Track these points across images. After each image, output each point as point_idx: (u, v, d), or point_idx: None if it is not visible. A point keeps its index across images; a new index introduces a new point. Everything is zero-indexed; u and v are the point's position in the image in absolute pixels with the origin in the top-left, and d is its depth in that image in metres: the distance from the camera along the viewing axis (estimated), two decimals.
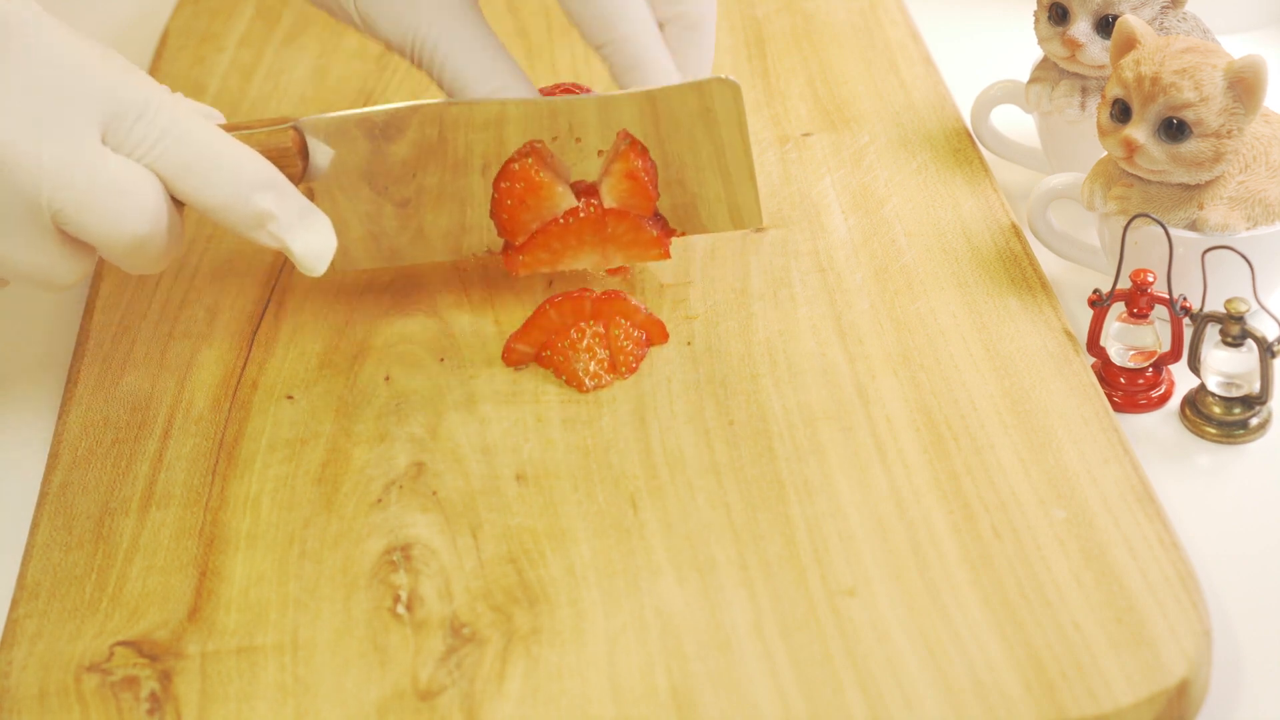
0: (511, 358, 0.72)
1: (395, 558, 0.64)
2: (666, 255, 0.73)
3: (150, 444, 0.71)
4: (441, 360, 0.74)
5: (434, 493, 0.67)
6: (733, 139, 0.73)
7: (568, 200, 0.72)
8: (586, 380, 0.70)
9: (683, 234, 0.75)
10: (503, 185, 0.72)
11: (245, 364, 0.75)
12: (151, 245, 0.65)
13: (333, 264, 0.71)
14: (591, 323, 0.71)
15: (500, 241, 0.74)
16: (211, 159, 0.64)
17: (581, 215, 0.72)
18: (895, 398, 0.70)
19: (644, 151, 0.73)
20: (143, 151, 0.63)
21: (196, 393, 0.73)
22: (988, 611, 0.60)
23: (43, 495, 0.69)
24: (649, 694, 0.58)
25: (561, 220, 0.72)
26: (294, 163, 0.71)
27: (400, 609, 0.62)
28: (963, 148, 0.85)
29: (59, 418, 0.73)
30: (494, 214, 0.73)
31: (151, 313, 0.78)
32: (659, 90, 0.72)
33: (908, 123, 0.87)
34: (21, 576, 0.65)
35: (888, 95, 0.90)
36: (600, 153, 0.73)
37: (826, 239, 0.79)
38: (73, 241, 0.64)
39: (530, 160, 0.72)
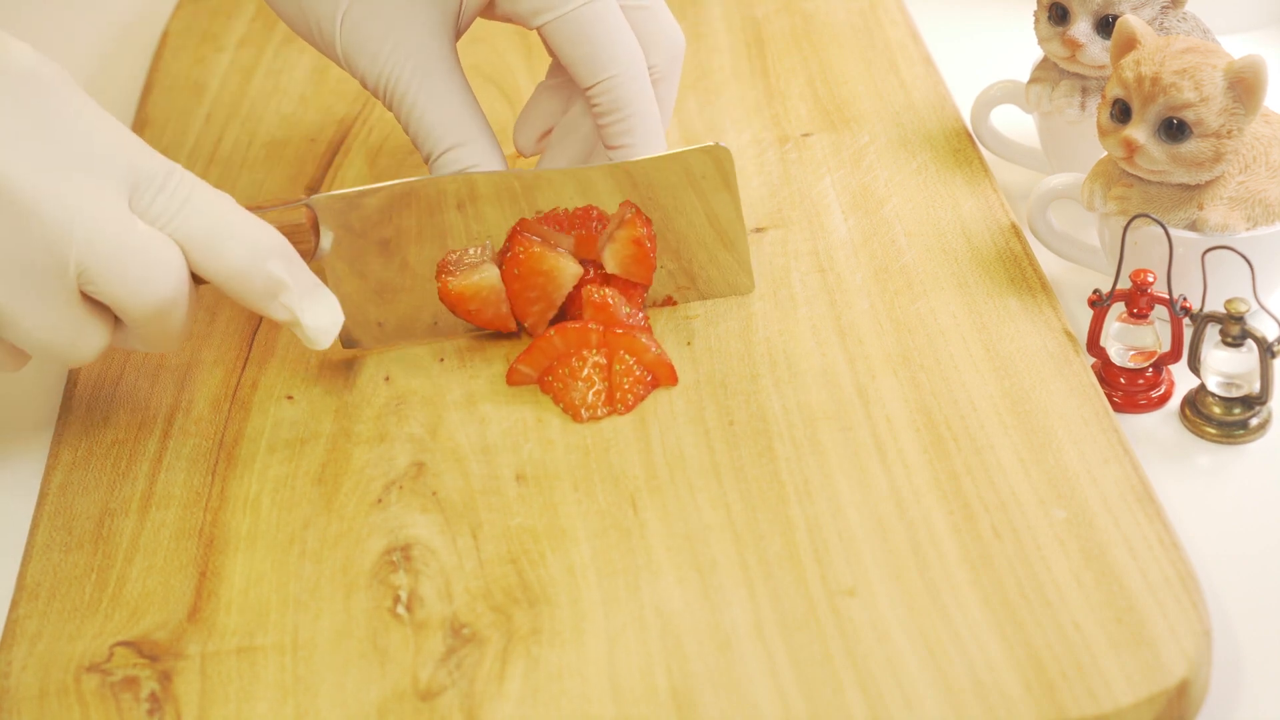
0: (514, 378, 0.72)
1: (395, 558, 0.64)
2: (674, 382, 0.72)
3: (150, 444, 0.71)
4: (441, 360, 0.74)
5: (434, 493, 0.67)
6: (726, 206, 0.74)
7: (571, 268, 0.72)
8: (582, 411, 0.70)
9: (675, 303, 0.76)
10: (506, 270, 0.72)
11: (245, 364, 0.75)
12: (174, 314, 0.65)
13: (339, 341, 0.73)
14: (594, 353, 0.71)
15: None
16: (230, 229, 0.65)
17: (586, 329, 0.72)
18: (895, 398, 0.70)
19: (648, 221, 0.73)
20: (165, 220, 0.64)
21: (196, 393, 0.73)
22: (988, 611, 0.60)
23: (43, 495, 0.69)
24: (649, 694, 0.58)
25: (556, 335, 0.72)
26: (307, 239, 0.71)
27: (400, 609, 0.62)
28: (963, 148, 0.85)
29: (59, 418, 0.73)
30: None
31: None
32: (651, 160, 0.73)
33: (908, 123, 0.87)
34: (21, 577, 0.65)
35: (888, 95, 0.90)
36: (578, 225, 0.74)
37: (826, 239, 0.79)
38: (94, 309, 0.64)
39: (522, 240, 0.72)
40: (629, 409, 0.70)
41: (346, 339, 0.74)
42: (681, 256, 0.75)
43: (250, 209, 0.68)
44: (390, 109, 0.74)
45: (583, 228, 0.73)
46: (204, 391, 0.73)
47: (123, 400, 0.73)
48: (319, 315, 0.68)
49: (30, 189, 0.61)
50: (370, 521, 0.66)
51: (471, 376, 0.73)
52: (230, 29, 1.01)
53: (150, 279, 0.63)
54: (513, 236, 0.72)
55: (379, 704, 0.59)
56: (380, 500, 0.67)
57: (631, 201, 0.73)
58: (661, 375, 0.71)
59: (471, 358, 0.74)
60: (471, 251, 0.73)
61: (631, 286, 0.73)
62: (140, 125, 0.93)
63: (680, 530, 0.64)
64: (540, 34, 0.74)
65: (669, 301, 0.76)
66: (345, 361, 0.74)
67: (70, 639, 0.62)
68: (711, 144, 0.73)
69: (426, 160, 0.75)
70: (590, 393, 0.70)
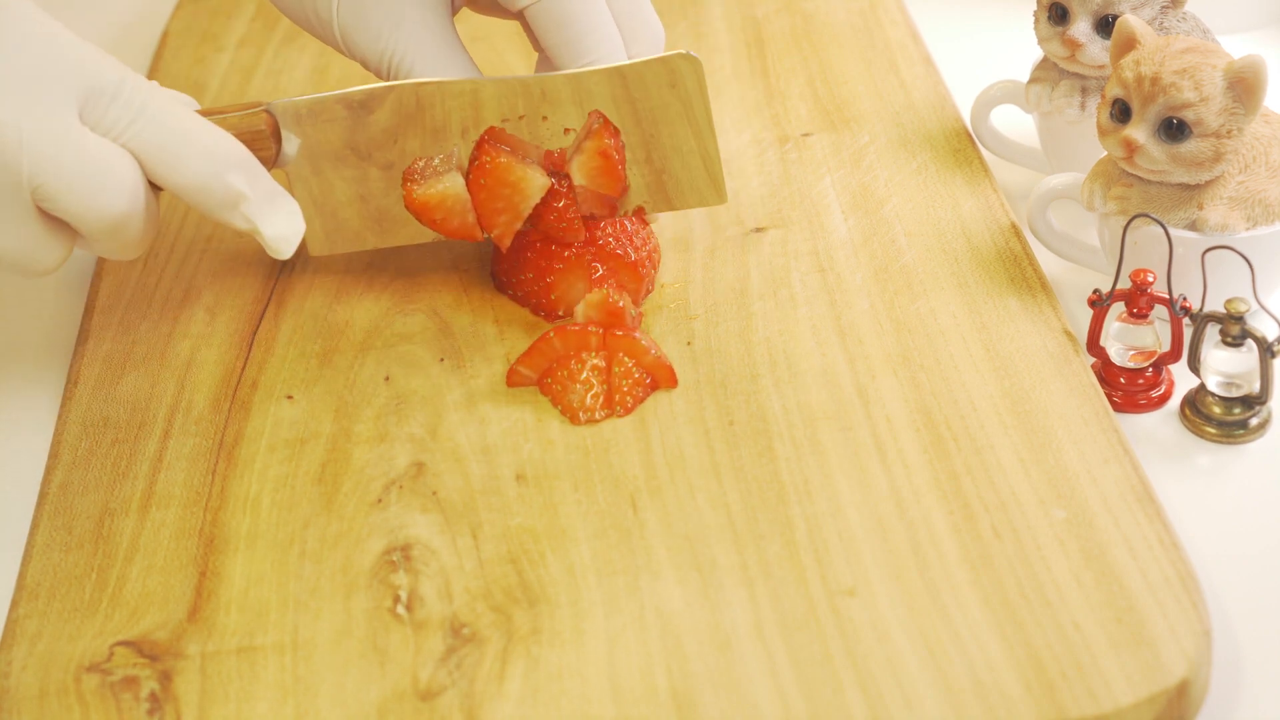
0: (514, 380, 0.72)
1: (395, 558, 0.64)
2: (673, 384, 0.72)
3: (150, 444, 0.71)
4: (441, 360, 0.74)
5: (434, 493, 0.67)
6: (698, 116, 0.74)
7: (538, 180, 0.72)
8: (580, 414, 0.70)
9: (644, 213, 0.76)
10: (472, 179, 0.73)
11: (245, 364, 0.75)
12: (130, 225, 0.65)
13: (321, 247, 0.73)
14: (593, 355, 0.71)
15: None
16: (185, 139, 0.65)
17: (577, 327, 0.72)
18: (895, 398, 0.70)
19: (615, 132, 0.73)
20: (118, 131, 0.64)
21: (196, 393, 0.73)
22: (988, 611, 0.60)
23: (43, 495, 0.69)
24: (649, 694, 0.58)
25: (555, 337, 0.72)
26: (267, 146, 0.71)
27: (400, 609, 0.62)
28: (963, 148, 0.85)
29: (59, 418, 0.73)
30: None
31: (151, 313, 0.78)
32: (629, 66, 0.73)
33: (908, 123, 0.87)
34: (21, 576, 0.65)
35: (888, 95, 0.90)
36: (568, 130, 0.73)
37: (826, 239, 0.79)
38: (52, 222, 0.64)
39: (489, 150, 0.72)
40: (628, 411, 0.70)
41: (311, 244, 0.75)
42: (654, 164, 0.75)
43: (208, 114, 0.68)
44: None
45: (560, 184, 0.73)
46: (204, 391, 0.73)
47: (123, 400, 0.73)
48: (279, 224, 0.68)
49: None
50: (370, 521, 0.66)
51: (471, 376, 0.73)
52: (230, 29, 1.01)
53: (103, 192, 0.64)
54: (480, 145, 0.72)
55: (379, 704, 0.59)
56: (380, 500, 0.67)
57: (600, 111, 0.73)
58: (661, 377, 0.71)
59: (471, 358, 0.74)
60: (438, 160, 0.73)
61: (601, 198, 0.73)
62: None
63: (680, 530, 0.64)
64: (523, 19, 0.74)
65: (639, 213, 0.76)
66: (345, 361, 0.74)
67: (70, 639, 0.62)
68: (684, 51, 0.73)
69: None
70: (589, 395, 0.70)
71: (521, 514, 0.66)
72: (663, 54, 0.73)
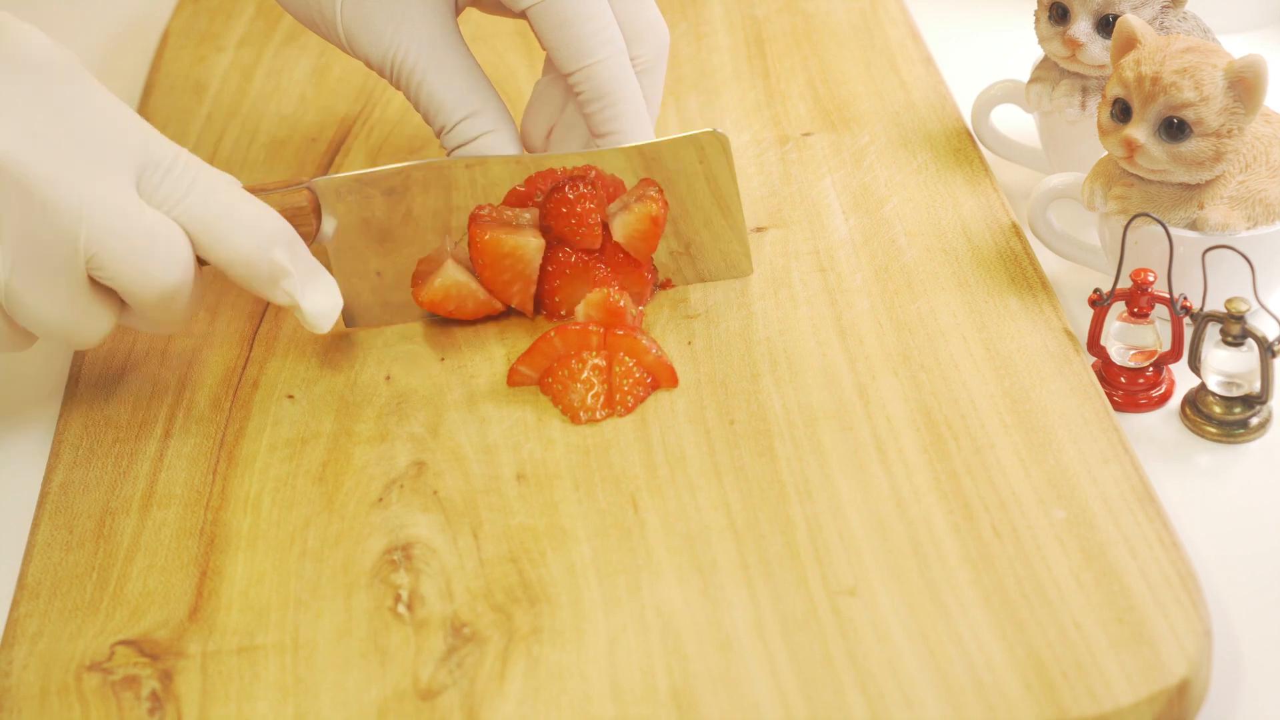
0: (515, 379, 0.72)
1: (396, 557, 0.64)
2: (674, 384, 0.72)
3: (151, 444, 0.71)
4: (441, 360, 0.74)
5: (434, 492, 0.67)
6: (724, 190, 0.75)
7: (532, 242, 0.73)
8: (581, 413, 0.70)
9: (672, 285, 0.77)
10: (474, 263, 0.74)
11: (245, 364, 0.75)
12: (179, 298, 0.66)
13: (359, 320, 0.75)
14: (594, 355, 0.71)
15: None
16: (233, 214, 0.67)
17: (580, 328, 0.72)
18: (895, 398, 0.70)
19: (667, 205, 0.74)
20: (171, 205, 0.66)
21: (197, 392, 0.73)
22: (988, 611, 0.60)
23: (43, 495, 0.69)
24: (649, 694, 0.58)
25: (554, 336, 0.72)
26: (309, 221, 0.72)
27: (401, 608, 0.62)
28: (963, 148, 0.85)
29: (59, 417, 0.73)
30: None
31: None
32: (652, 145, 0.74)
33: (908, 123, 0.87)
34: (22, 576, 0.65)
35: (888, 95, 0.90)
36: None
37: (826, 239, 0.79)
38: (101, 292, 0.65)
39: (476, 230, 0.73)
40: (629, 411, 0.70)
41: (349, 318, 0.76)
42: (683, 237, 0.76)
43: (252, 191, 0.69)
44: (398, 87, 0.75)
45: (583, 187, 0.73)
46: (205, 391, 0.73)
47: (124, 399, 0.73)
48: (319, 300, 0.69)
49: (44, 176, 0.62)
50: (371, 521, 0.66)
51: (472, 376, 0.73)
52: (230, 29, 1.01)
53: (157, 264, 0.64)
54: (469, 228, 0.73)
55: (379, 703, 0.59)
56: (381, 499, 0.67)
57: (654, 180, 0.74)
58: (662, 377, 0.71)
59: (472, 357, 0.74)
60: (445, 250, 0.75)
61: (630, 265, 0.74)
62: None
63: (680, 530, 0.64)
64: (527, 19, 0.74)
65: (667, 284, 0.76)
66: (345, 361, 0.74)
67: (71, 638, 0.62)
68: (712, 129, 0.74)
69: (439, 134, 0.75)
70: (589, 395, 0.70)
71: (522, 513, 0.66)
72: (690, 133, 0.74)
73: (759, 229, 0.80)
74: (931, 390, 0.70)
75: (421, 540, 0.65)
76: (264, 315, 0.77)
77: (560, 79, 0.79)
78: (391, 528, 0.66)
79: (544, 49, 0.75)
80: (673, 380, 0.71)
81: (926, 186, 0.82)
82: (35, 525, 0.67)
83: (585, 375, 0.70)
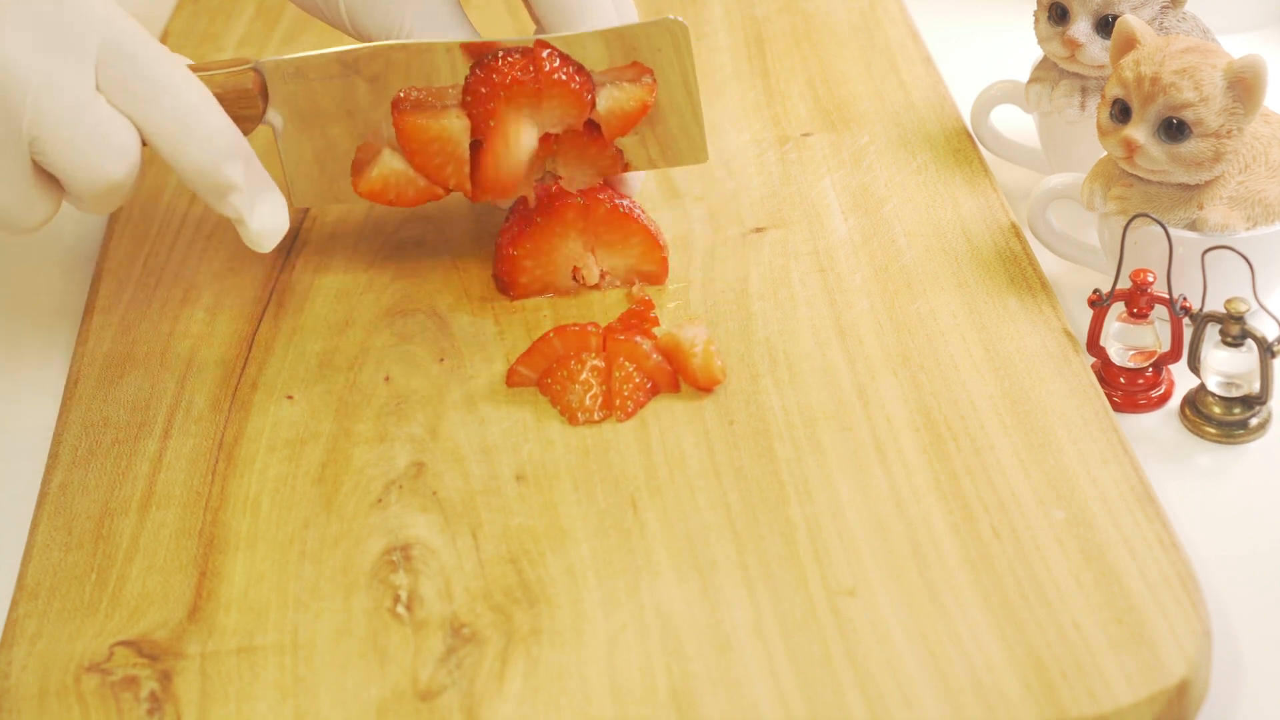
0: (514, 380, 0.72)
1: (395, 558, 0.64)
2: (675, 389, 0.71)
3: (150, 444, 0.71)
4: (441, 360, 0.74)
5: (434, 493, 0.67)
6: (684, 78, 0.74)
7: (457, 124, 0.72)
8: (579, 414, 0.70)
9: (629, 167, 0.76)
10: (403, 151, 0.73)
11: (245, 364, 0.75)
12: (120, 190, 0.65)
13: (304, 199, 0.74)
14: (593, 356, 0.71)
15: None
16: (194, 123, 0.65)
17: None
18: (895, 398, 0.70)
19: (655, 95, 0.74)
20: (129, 102, 0.63)
21: (196, 393, 0.73)
22: (988, 611, 0.60)
23: (43, 495, 0.69)
24: (649, 694, 0.58)
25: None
26: (255, 104, 0.71)
27: (400, 609, 0.62)
28: (963, 148, 0.85)
29: (59, 418, 0.73)
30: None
31: (151, 313, 0.78)
32: (625, 28, 0.73)
33: (908, 123, 0.87)
34: (21, 576, 0.65)
35: (888, 95, 0.90)
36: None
37: (826, 239, 0.79)
38: (43, 179, 0.64)
39: (399, 117, 0.72)
40: (628, 416, 0.70)
41: (294, 196, 0.75)
42: (648, 121, 0.75)
43: (197, 70, 0.68)
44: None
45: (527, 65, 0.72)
46: (204, 391, 0.73)
47: (123, 400, 0.73)
48: (265, 218, 0.68)
49: None
50: (370, 521, 0.66)
51: (471, 376, 0.73)
52: (230, 29, 1.01)
53: (102, 160, 0.63)
54: (391, 113, 0.72)
55: (379, 704, 0.59)
56: (380, 500, 0.67)
57: (647, 67, 0.73)
58: (662, 382, 0.71)
59: (471, 358, 0.74)
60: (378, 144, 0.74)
61: (596, 141, 0.74)
62: None
63: (680, 530, 0.64)
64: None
65: (626, 166, 0.76)
66: (345, 361, 0.74)
67: (70, 639, 0.62)
68: (674, 17, 0.73)
69: None
70: (587, 396, 0.70)
71: (521, 514, 0.66)
72: (648, 19, 0.73)
73: (758, 229, 0.80)
74: (931, 391, 0.70)
75: (421, 541, 0.65)
76: (263, 316, 0.77)
77: None
78: (391, 528, 0.66)
79: (542, 26, 0.75)
80: (673, 385, 0.71)
81: (926, 187, 0.82)
82: (34, 526, 0.67)
83: (584, 377, 0.70)
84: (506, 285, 0.77)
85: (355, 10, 0.74)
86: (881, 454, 0.67)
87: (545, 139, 0.73)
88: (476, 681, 0.59)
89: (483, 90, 0.72)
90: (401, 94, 0.72)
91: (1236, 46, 0.76)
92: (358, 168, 0.74)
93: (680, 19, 0.73)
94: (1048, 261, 0.79)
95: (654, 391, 0.71)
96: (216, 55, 0.99)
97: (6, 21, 0.61)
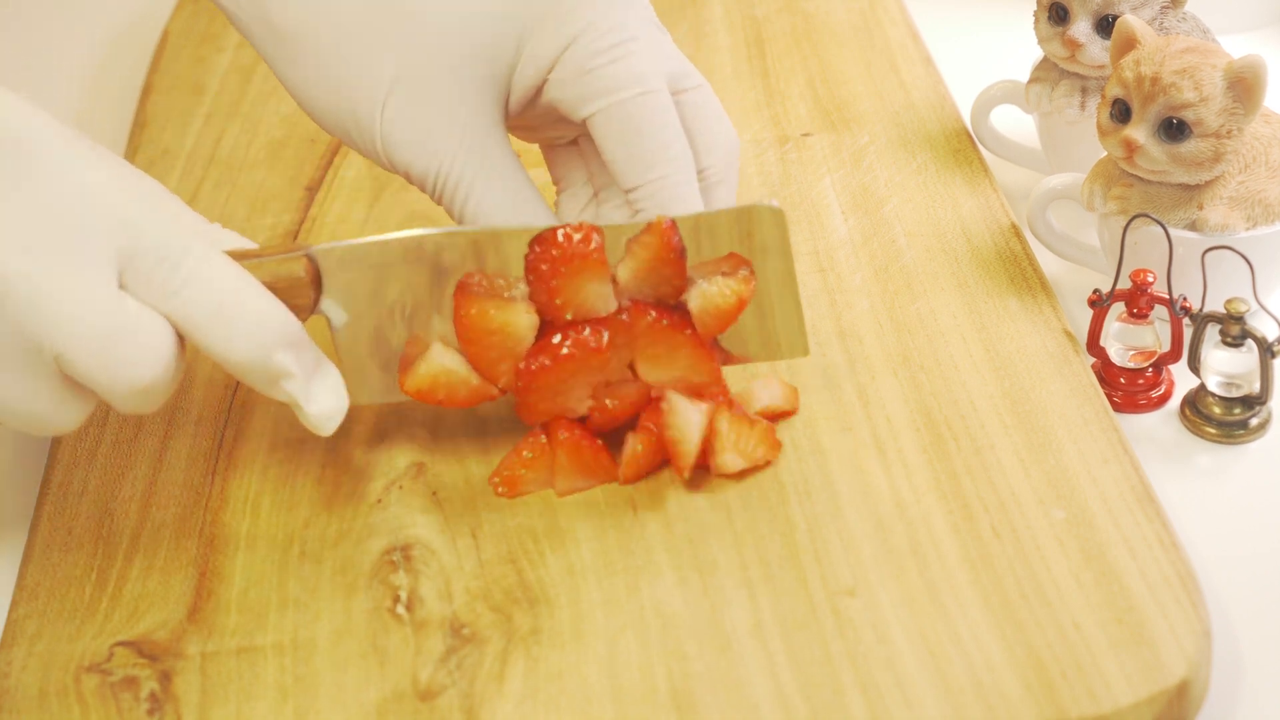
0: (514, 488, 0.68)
1: (395, 558, 0.64)
2: (718, 377, 0.66)
3: (150, 443, 0.71)
4: None
5: (434, 493, 0.67)
6: (778, 267, 0.67)
7: (523, 317, 0.64)
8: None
9: (727, 363, 0.68)
10: (460, 341, 0.65)
11: None
12: (155, 392, 0.59)
13: (361, 396, 0.67)
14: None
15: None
16: (235, 312, 0.59)
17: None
18: (895, 398, 0.70)
19: (754, 291, 0.66)
20: (162, 299, 0.58)
21: (197, 393, 0.73)
22: (988, 611, 0.60)
23: (43, 495, 0.69)
24: (649, 694, 0.58)
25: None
26: (305, 294, 0.64)
27: (400, 609, 0.62)
28: (963, 148, 0.85)
29: None
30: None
31: None
32: (702, 215, 0.66)
33: (908, 123, 0.87)
34: (21, 576, 0.65)
35: (888, 95, 0.90)
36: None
37: (826, 239, 0.79)
38: (73, 385, 0.59)
39: (461, 303, 0.64)
40: (628, 482, 0.67)
41: (354, 394, 0.66)
42: (747, 313, 0.67)
43: (244, 257, 0.62)
44: (440, 202, 0.68)
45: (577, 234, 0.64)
46: (204, 391, 0.73)
47: None
48: (324, 402, 0.62)
49: (2, 270, 0.55)
50: (370, 521, 0.66)
51: None
52: (230, 29, 1.01)
53: (134, 364, 0.58)
54: (455, 301, 0.64)
55: (379, 704, 0.59)
56: (380, 500, 0.67)
57: (747, 260, 0.66)
58: (676, 462, 0.66)
59: None
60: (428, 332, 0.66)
61: (698, 341, 0.66)
62: (140, 125, 0.93)
63: (680, 530, 0.64)
64: (587, 126, 0.67)
65: (728, 360, 0.68)
66: None
67: (70, 639, 0.62)
68: (769, 202, 0.66)
69: None
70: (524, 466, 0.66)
71: (521, 514, 0.66)
72: (743, 204, 0.65)
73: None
74: (931, 391, 0.70)
75: (421, 541, 0.65)
76: None
77: (581, 192, 0.72)
78: (391, 528, 0.66)
79: (604, 159, 0.68)
80: (680, 471, 0.66)
81: (926, 187, 0.82)
82: (34, 526, 0.67)
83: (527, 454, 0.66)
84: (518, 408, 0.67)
85: (393, 142, 0.67)
86: (881, 454, 0.67)
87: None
88: (476, 682, 0.59)
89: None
90: (468, 278, 0.64)
91: (1236, 46, 0.76)
92: (405, 364, 0.65)
93: (774, 203, 0.65)
94: (1048, 261, 0.79)
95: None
96: (216, 55, 0.99)
97: (16, 236, 0.56)
